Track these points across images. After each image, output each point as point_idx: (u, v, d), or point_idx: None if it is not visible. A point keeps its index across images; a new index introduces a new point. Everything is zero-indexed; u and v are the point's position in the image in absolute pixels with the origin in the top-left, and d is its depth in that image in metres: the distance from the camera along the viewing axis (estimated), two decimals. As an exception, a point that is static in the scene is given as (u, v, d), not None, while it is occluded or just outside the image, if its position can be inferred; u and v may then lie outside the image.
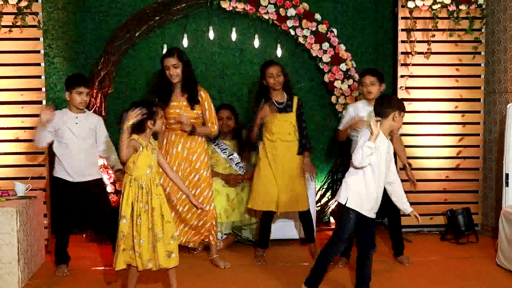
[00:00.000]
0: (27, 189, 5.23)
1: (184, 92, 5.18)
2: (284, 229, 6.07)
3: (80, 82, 5.07)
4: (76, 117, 5.11)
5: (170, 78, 5.14)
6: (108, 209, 5.13)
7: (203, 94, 5.20)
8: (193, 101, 5.16)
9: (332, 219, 6.76)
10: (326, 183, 6.85)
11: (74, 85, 5.05)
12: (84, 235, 6.23)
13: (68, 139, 5.07)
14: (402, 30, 6.40)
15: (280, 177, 5.36)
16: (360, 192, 4.19)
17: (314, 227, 5.75)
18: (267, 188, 5.37)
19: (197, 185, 5.23)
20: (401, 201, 4.36)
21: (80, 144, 5.09)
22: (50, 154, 5.30)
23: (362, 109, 5.26)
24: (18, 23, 5.81)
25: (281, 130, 5.36)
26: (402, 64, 6.42)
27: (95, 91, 6.38)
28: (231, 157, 6.20)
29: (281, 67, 5.41)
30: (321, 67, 6.66)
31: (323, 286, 4.46)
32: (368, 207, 4.21)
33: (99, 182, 5.28)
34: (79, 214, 5.55)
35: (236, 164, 6.17)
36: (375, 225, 4.41)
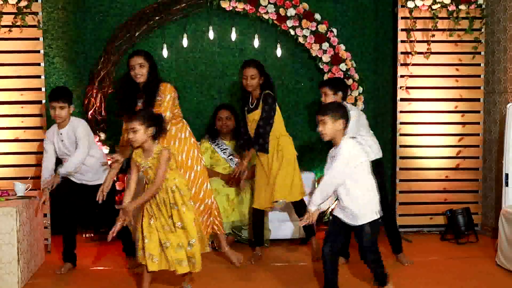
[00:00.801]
0: (26, 189, 5.24)
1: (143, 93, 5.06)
2: (283, 229, 6.07)
3: (52, 96, 5.08)
4: (60, 134, 5.14)
5: (134, 78, 5.02)
6: (115, 210, 5.13)
7: (162, 88, 5.02)
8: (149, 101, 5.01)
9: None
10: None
11: (49, 99, 5.09)
12: (84, 235, 6.23)
13: (61, 155, 5.17)
14: (402, 30, 6.40)
15: (270, 172, 5.38)
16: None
17: (315, 229, 5.75)
18: (259, 188, 5.46)
19: (195, 182, 5.20)
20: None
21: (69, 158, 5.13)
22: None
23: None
24: (18, 23, 5.81)
25: (252, 129, 5.39)
26: (402, 64, 6.42)
27: (95, 91, 6.38)
28: (231, 157, 6.20)
29: (256, 69, 5.36)
30: (321, 67, 6.65)
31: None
32: None
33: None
34: (84, 213, 5.63)
35: (236, 164, 6.17)
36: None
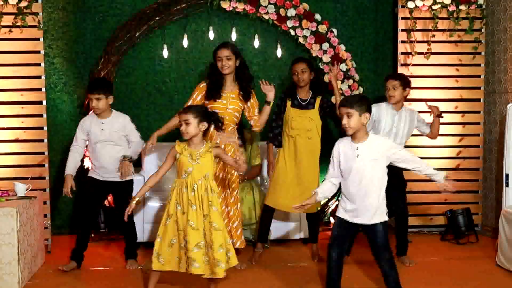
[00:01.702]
0: (27, 189, 5.24)
1: (236, 84, 5.22)
2: (285, 229, 6.06)
3: (89, 88, 5.24)
4: (102, 123, 5.21)
5: (221, 69, 5.14)
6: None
7: (253, 91, 5.26)
8: (244, 93, 5.20)
9: (332, 220, 6.76)
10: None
11: (87, 91, 5.17)
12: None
13: (96, 142, 5.22)
14: (402, 30, 6.41)
15: (296, 174, 5.39)
16: None
17: (319, 228, 5.75)
18: (281, 187, 5.41)
19: (228, 185, 5.22)
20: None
21: (107, 148, 5.20)
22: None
23: (385, 112, 5.30)
24: (18, 24, 5.80)
25: (301, 126, 5.37)
26: (402, 65, 6.42)
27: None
28: None
29: (307, 64, 5.43)
30: (321, 67, 6.65)
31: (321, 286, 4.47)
32: None
33: (129, 183, 5.33)
34: (102, 211, 5.73)
35: None
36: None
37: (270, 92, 5.16)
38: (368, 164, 4.09)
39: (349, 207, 4.20)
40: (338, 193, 4.45)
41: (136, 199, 4.40)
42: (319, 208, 5.58)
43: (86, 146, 5.37)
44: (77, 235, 5.28)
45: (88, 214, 5.27)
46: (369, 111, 4.10)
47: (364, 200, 4.13)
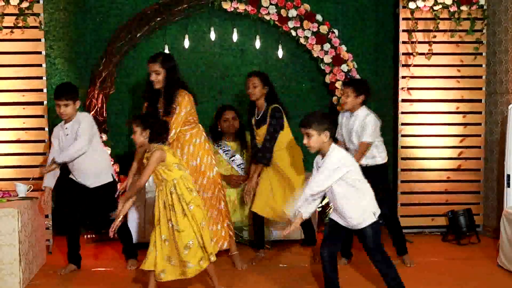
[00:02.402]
0: (28, 190, 5.24)
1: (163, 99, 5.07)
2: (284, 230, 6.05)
3: (56, 94, 5.08)
4: (66, 128, 5.15)
5: (153, 85, 5.06)
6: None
7: (179, 98, 5.02)
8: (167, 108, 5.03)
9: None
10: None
11: (54, 97, 5.09)
12: (86, 236, 6.23)
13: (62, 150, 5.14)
14: (403, 31, 6.40)
15: (275, 184, 5.40)
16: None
17: (315, 230, 5.75)
18: (262, 193, 5.42)
19: (208, 188, 5.19)
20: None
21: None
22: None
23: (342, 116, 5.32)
24: (20, 24, 5.82)
25: (260, 143, 5.39)
26: (403, 65, 6.42)
27: (96, 92, 6.38)
28: (233, 158, 6.19)
29: (258, 78, 5.37)
30: (322, 68, 6.66)
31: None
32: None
33: (109, 185, 5.28)
34: (86, 215, 5.66)
35: (238, 165, 6.17)
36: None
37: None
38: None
39: (337, 213, 4.28)
40: None
41: (120, 216, 4.42)
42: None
43: None
44: (67, 237, 5.25)
45: (71, 215, 5.21)
46: (329, 128, 4.11)
47: (343, 211, 4.19)
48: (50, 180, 5.17)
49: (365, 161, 5.06)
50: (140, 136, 4.33)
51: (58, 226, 6.22)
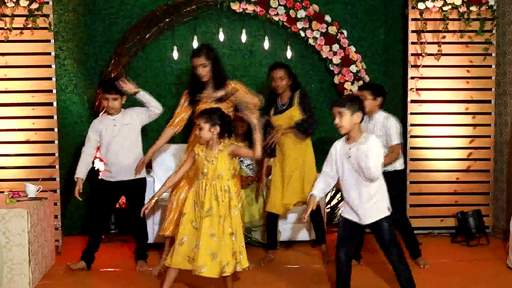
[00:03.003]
0: (38, 190, 5.26)
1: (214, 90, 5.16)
2: (294, 231, 6.06)
3: (104, 88, 5.26)
4: (113, 119, 5.26)
5: (199, 78, 5.13)
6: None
7: (232, 84, 5.15)
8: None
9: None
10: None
11: (102, 91, 5.25)
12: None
13: (110, 139, 5.25)
14: (412, 31, 6.39)
15: (286, 173, 5.37)
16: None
17: (325, 228, 5.75)
18: (274, 192, 5.43)
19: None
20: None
21: (119, 142, 5.23)
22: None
23: None
24: (29, 25, 5.84)
25: (280, 127, 5.35)
26: (412, 66, 6.41)
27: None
28: (241, 158, 6.19)
29: (284, 70, 5.40)
30: (331, 68, 6.65)
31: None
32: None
33: (141, 182, 5.38)
34: (113, 212, 5.78)
35: (246, 166, 6.17)
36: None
37: (251, 117, 5.06)
38: (358, 165, 4.12)
39: (351, 209, 4.25)
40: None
41: (156, 198, 4.46)
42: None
43: (98, 148, 5.39)
44: (90, 236, 5.31)
45: (101, 216, 5.31)
46: (361, 110, 4.12)
47: (361, 201, 4.17)
48: (83, 172, 5.25)
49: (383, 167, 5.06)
50: (208, 132, 4.34)
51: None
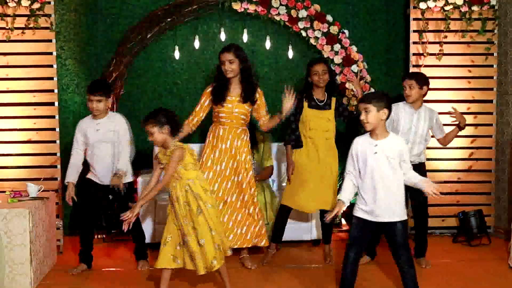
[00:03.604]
0: (39, 190, 5.26)
1: (241, 87, 5.23)
2: (296, 230, 6.05)
3: (90, 89, 5.18)
4: (98, 124, 5.20)
5: (225, 73, 5.18)
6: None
7: (259, 91, 5.29)
8: (247, 96, 5.21)
9: (343, 221, 6.74)
10: (338, 185, 6.83)
11: (87, 92, 5.17)
12: (97, 236, 6.24)
13: (94, 142, 5.21)
14: (414, 31, 6.39)
15: (319, 175, 5.36)
16: None
17: (332, 229, 5.74)
18: (299, 187, 5.37)
19: (240, 185, 5.26)
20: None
21: (103, 148, 5.18)
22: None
23: (403, 111, 5.33)
24: (31, 25, 5.84)
25: (319, 127, 5.37)
26: (414, 66, 6.40)
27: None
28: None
29: (327, 65, 5.46)
30: (333, 68, 6.64)
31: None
32: None
33: (129, 185, 5.33)
34: (102, 215, 5.73)
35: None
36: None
37: (287, 103, 5.07)
38: (385, 162, 4.11)
39: (367, 207, 4.20)
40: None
41: (137, 210, 4.32)
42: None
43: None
44: (80, 237, 5.29)
45: (89, 215, 5.26)
46: (388, 107, 4.11)
47: (382, 198, 4.14)
48: (73, 175, 5.22)
49: (412, 158, 5.06)
50: (160, 134, 4.30)
51: (72, 225, 6.27)
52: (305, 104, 5.41)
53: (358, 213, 4.26)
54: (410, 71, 6.37)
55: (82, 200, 5.21)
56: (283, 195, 5.52)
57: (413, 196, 5.22)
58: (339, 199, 4.26)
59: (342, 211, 4.26)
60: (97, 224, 5.98)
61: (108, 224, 6.25)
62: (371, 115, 4.07)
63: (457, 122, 5.32)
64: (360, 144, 4.23)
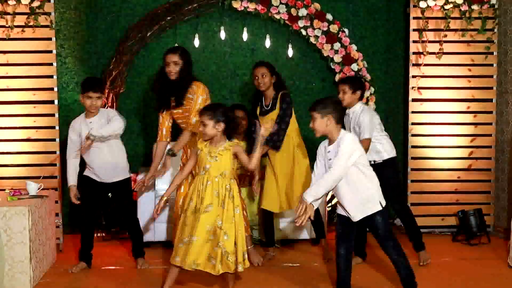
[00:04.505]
0: (39, 188, 5.26)
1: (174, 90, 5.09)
2: (295, 229, 6.06)
3: (89, 86, 5.10)
4: (90, 122, 5.14)
5: (168, 75, 5.05)
6: (132, 208, 5.17)
7: (194, 87, 5.04)
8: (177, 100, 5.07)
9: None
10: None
11: (84, 89, 5.10)
12: (97, 235, 6.24)
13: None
14: (414, 30, 6.39)
15: (280, 176, 5.34)
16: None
17: (325, 223, 5.74)
18: (269, 189, 5.38)
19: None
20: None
21: (100, 146, 5.14)
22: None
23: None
24: (31, 23, 5.84)
25: (268, 131, 5.21)
26: (413, 64, 6.40)
27: (106, 91, 6.40)
28: None
29: (267, 67, 5.35)
30: (333, 67, 6.64)
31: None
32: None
33: (126, 182, 5.32)
34: (102, 212, 5.73)
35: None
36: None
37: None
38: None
39: (342, 207, 4.30)
40: None
41: (165, 198, 4.44)
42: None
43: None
44: (81, 235, 5.28)
45: (89, 213, 5.25)
46: (333, 114, 4.17)
47: (349, 199, 4.22)
48: (74, 178, 5.20)
49: (371, 158, 5.04)
50: (212, 129, 4.30)
51: (73, 223, 6.27)
52: (258, 112, 5.42)
53: (338, 210, 4.37)
54: (410, 70, 6.38)
55: (81, 198, 5.21)
56: (260, 200, 5.52)
57: (386, 195, 5.06)
58: (309, 203, 4.19)
59: (313, 215, 4.21)
60: (97, 222, 5.97)
61: (108, 222, 6.25)
62: (317, 122, 4.18)
63: None
64: (320, 149, 4.35)
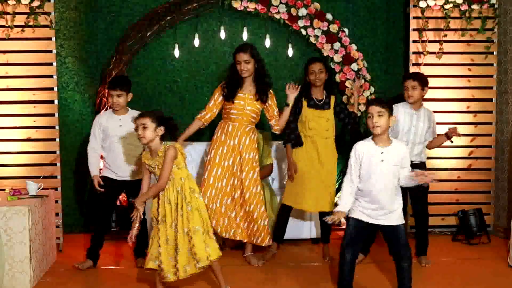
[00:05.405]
0: (39, 188, 5.26)
1: (254, 85, 5.30)
2: (296, 228, 6.05)
3: (109, 84, 5.32)
4: (119, 119, 5.26)
5: (240, 73, 5.25)
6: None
7: (271, 92, 5.37)
8: (261, 95, 5.28)
9: (343, 220, 6.72)
10: (337, 184, 6.83)
11: (108, 88, 5.29)
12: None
13: (113, 136, 5.24)
14: (414, 30, 6.39)
15: (320, 175, 5.37)
16: None
17: (331, 229, 5.75)
18: (301, 187, 5.37)
19: (243, 182, 5.26)
20: None
21: (123, 144, 5.22)
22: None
23: (402, 111, 5.33)
24: (31, 23, 5.84)
25: (319, 127, 5.37)
26: (413, 64, 6.40)
27: (106, 91, 6.39)
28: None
29: (324, 64, 5.48)
30: (332, 67, 6.64)
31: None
32: None
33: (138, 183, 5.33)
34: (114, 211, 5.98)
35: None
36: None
37: (292, 94, 5.29)
38: (391, 170, 4.15)
39: (367, 210, 4.22)
40: None
41: (138, 223, 4.31)
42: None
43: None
44: (93, 233, 5.30)
45: (105, 212, 5.31)
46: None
47: (388, 203, 4.18)
48: (96, 169, 5.30)
49: (413, 158, 5.10)
50: (153, 133, 4.28)
51: (69, 223, 6.28)
52: (304, 103, 5.40)
53: (355, 214, 4.26)
54: (410, 69, 6.38)
55: (97, 198, 5.24)
56: (284, 194, 5.52)
57: (413, 194, 5.25)
58: (340, 210, 4.23)
59: (341, 218, 4.24)
60: (109, 221, 6.04)
61: (120, 222, 6.27)
62: (384, 119, 4.08)
63: (450, 135, 5.35)
64: (365, 150, 4.21)
